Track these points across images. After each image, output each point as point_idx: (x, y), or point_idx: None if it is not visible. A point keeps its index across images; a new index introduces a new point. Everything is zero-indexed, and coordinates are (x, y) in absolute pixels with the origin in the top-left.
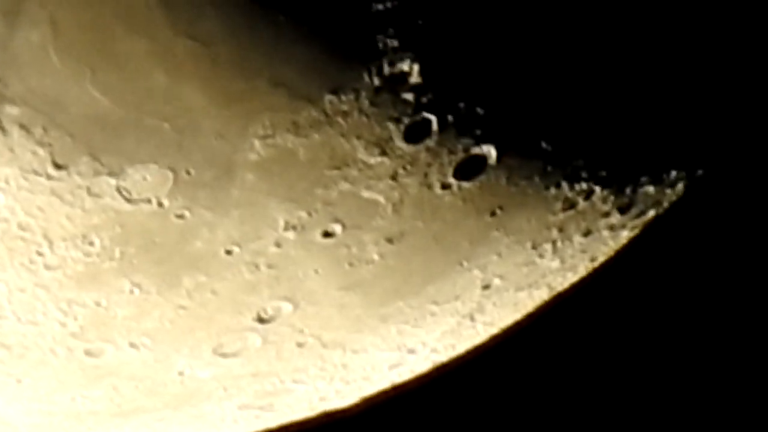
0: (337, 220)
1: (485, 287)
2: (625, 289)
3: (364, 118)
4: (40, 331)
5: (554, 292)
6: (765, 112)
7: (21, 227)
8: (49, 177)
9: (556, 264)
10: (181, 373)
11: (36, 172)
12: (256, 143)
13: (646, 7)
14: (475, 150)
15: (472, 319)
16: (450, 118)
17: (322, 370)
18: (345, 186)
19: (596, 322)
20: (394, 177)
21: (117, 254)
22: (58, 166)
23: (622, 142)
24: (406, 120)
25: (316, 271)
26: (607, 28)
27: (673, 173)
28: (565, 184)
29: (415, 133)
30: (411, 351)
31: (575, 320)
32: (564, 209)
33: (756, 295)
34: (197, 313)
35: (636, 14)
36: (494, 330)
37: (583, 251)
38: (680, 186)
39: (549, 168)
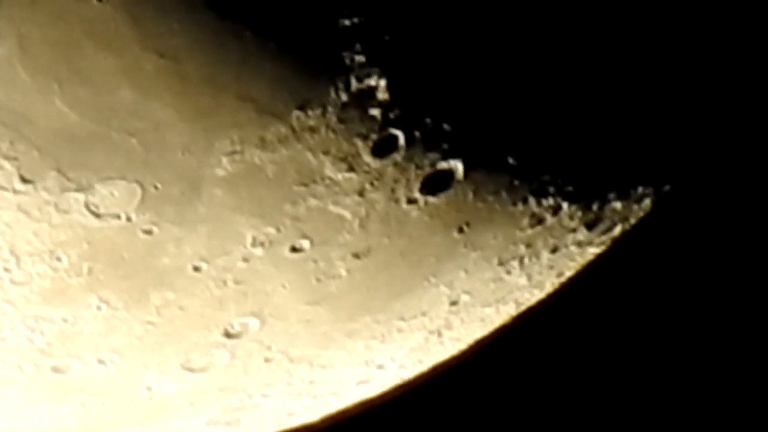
0: (304, 236)
1: (453, 303)
2: (593, 303)
3: (332, 134)
4: (6, 347)
5: (522, 308)
6: (731, 129)
7: None
8: (15, 192)
9: (523, 280)
10: (149, 389)
11: (2, 187)
12: (224, 159)
13: (612, 25)
14: (442, 165)
15: (439, 335)
16: (417, 133)
17: (289, 386)
18: (312, 202)
19: (565, 336)
20: (361, 192)
21: (85, 270)
22: (25, 181)
23: (589, 158)
24: (373, 135)
25: (284, 287)
26: (573, 45)
27: (640, 189)
28: (532, 200)
29: (383, 149)
30: (379, 367)
31: (544, 335)
32: (531, 225)
33: (723, 308)
34: (165, 329)
35: (602, 31)
36: (462, 346)
37: (551, 267)
38: (647, 202)
39: (516, 183)
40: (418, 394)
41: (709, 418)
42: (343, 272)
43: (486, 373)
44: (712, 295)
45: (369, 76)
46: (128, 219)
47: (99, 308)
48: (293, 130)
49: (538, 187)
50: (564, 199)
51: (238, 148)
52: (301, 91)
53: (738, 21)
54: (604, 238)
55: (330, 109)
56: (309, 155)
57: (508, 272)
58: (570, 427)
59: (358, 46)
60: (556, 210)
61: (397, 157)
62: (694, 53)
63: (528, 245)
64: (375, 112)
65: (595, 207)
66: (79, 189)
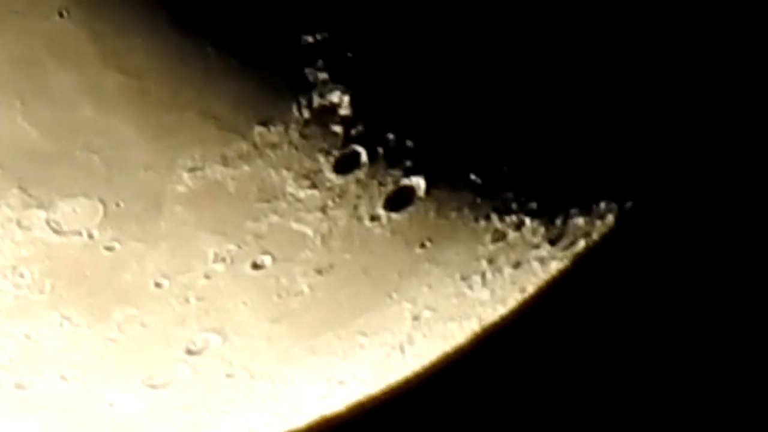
0: (266, 252)
1: (415, 319)
2: (555, 319)
3: (294, 151)
4: None
5: (484, 324)
6: (694, 146)
7: None
8: None
9: (485, 296)
10: (111, 405)
11: None
12: (186, 176)
13: (572, 41)
14: (405, 182)
15: (401, 350)
16: (380, 150)
17: (251, 402)
18: (274, 218)
19: (528, 352)
20: (323, 209)
21: (47, 287)
22: None
23: (552, 174)
24: (335, 152)
25: (245, 303)
26: (534, 60)
27: (603, 205)
28: (495, 216)
29: (345, 165)
30: (340, 383)
31: (506, 351)
32: (494, 241)
33: (684, 325)
34: (127, 345)
35: (561, 48)
36: (424, 361)
37: (513, 283)
38: (610, 217)
39: (479, 200)
40: (382, 411)
41: None
42: (305, 289)
43: (450, 390)
44: (677, 310)
45: (331, 92)
46: (90, 236)
47: (61, 325)
48: (255, 147)
49: (500, 203)
50: (527, 215)
51: (200, 164)
52: (263, 108)
53: (692, 43)
54: (566, 253)
55: (292, 125)
56: (271, 172)
57: (471, 288)
58: None
59: (320, 63)
60: (518, 226)
61: (360, 173)
62: (652, 71)
63: (490, 261)
64: (337, 128)
65: (558, 223)
66: (41, 206)
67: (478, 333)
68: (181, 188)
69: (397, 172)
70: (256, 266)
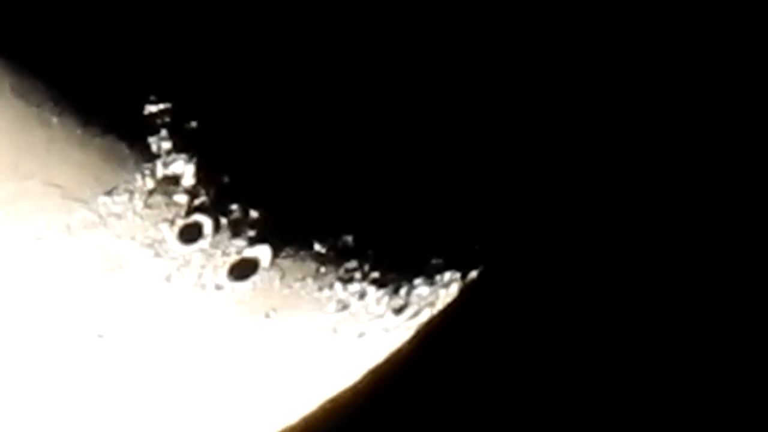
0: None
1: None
2: (399, 390)
3: (138, 220)
4: None
5: (330, 394)
6: (540, 213)
7: None
8: None
9: (330, 366)
10: None
11: None
12: (30, 245)
13: (406, 117)
14: (249, 252)
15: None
16: (223, 220)
17: None
18: (118, 288)
19: (372, 424)
20: (168, 279)
21: None
22: None
23: (395, 244)
24: (179, 222)
25: None
26: (371, 133)
27: (447, 274)
28: (338, 286)
29: (189, 235)
30: None
31: (351, 423)
32: (337, 310)
33: (539, 396)
34: None
35: (398, 124)
36: None
37: (357, 353)
38: (454, 287)
39: (322, 269)
40: None
41: None
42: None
43: None
44: (524, 377)
45: (175, 162)
46: None
47: None
48: (99, 216)
49: (344, 272)
50: (370, 284)
51: (44, 234)
52: (107, 177)
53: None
54: (410, 323)
55: (136, 195)
56: (115, 241)
57: (315, 358)
58: None
59: (164, 132)
60: (362, 295)
61: (204, 243)
62: (488, 143)
63: (334, 331)
64: (181, 198)
65: (402, 292)
66: None
67: (326, 403)
68: (25, 257)
69: (240, 242)
70: (101, 336)
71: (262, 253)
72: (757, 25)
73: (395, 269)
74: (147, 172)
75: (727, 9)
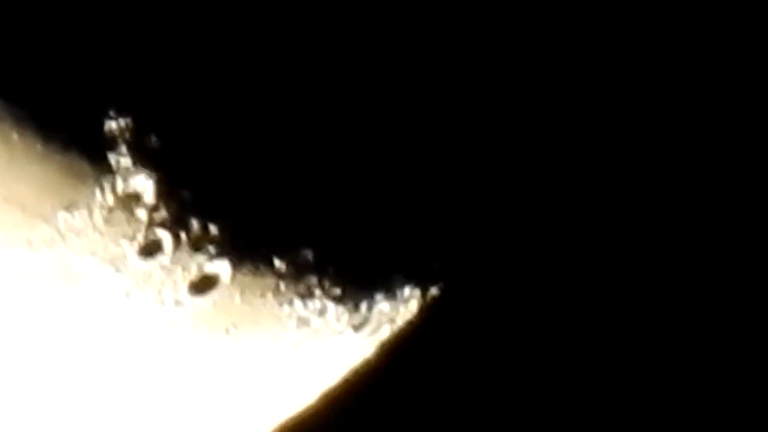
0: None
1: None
2: (358, 406)
3: (98, 236)
4: None
5: (287, 412)
6: (500, 229)
7: None
8: None
9: (289, 383)
10: None
11: None
12: None
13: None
14: (209, 267)
15: None
16: (183, 235)
17: None
18: (77, 304)
19: None
20: (127, 294)
21: None
22: None
23: (356, 259)
24: (139, 237)
25: None
26: (331, 147)
27: (407, 290)
28: (298, 302)
29: (149, 251)
30: None
31: None
32: (298, 327)
33: (484, 414)
34: None
35: (358, 135)
36: None
37: (317, 370)
38: (414, 303)
39: (282, 285)
40: None
41: None
42: None
43: None
44: (484, 394)
45: (135, 177)
46: None
47: None
48: (59, 232)
49: (304, 288)
50: (330, 300)
51: (4, 250)
52: (67, 193)
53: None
54: (371, 339)
55: (96, 210)
56: (75, 257)
57: (275, 375)
58: None
59: (123, 148)
60: (322, 312)
61: (164, 259)
62: (449, 158)
63: (295, 347)
64: (141, 213)
65: (362, 309)
66: None
67: (282, 423)
68: None
69: (201, 258)
70: None
71: (222, 268)
72: (757, 25)
73: (355, 285)
74: (107, 187)
75: (727, 9)
